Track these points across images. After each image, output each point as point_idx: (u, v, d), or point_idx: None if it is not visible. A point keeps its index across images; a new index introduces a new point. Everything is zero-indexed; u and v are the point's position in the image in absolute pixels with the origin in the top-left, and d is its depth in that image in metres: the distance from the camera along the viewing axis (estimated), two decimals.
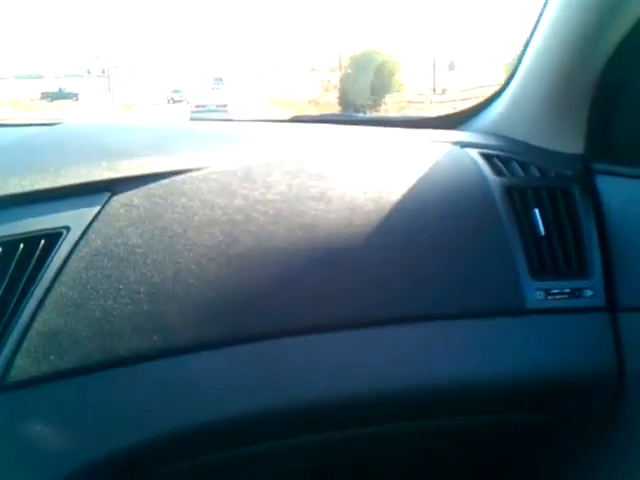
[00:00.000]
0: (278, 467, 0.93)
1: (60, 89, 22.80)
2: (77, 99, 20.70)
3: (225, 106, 13.92)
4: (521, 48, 1.02)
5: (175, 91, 23.54)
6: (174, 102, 21.63)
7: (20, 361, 0.69)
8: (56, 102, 20.78)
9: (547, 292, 0.83)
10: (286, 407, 0.76)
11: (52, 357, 0.70)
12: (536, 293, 0.82)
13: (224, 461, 0.83)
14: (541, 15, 0.96)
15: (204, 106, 14.33)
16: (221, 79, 29.83)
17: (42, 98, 22.12)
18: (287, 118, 1.22)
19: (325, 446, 0.89)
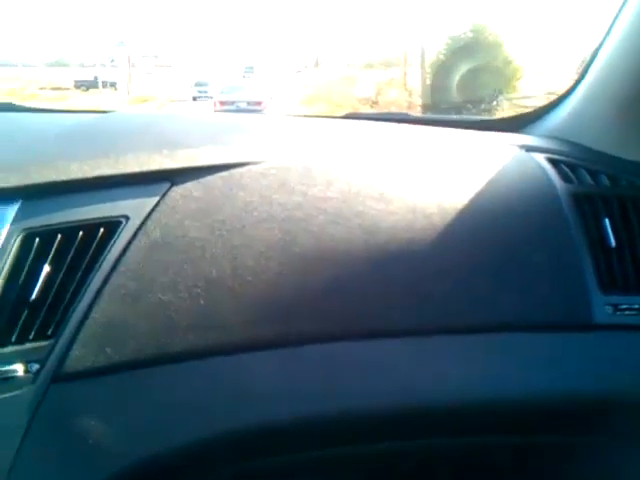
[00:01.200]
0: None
1: (95, 77, 20.86)
2: (116, 88, 18.60)
3: (259, 104, 11.42)
4: (593, 49, 0.98)
5: (199, 84, 17.40)
6: (196, 99, 16.41)
7: (76, 352, 0.68)
8: (91, 90, 20.36)
9: (616, 307, 0.79)
10: (339, 414, 0.74)
11: (108, 349, 0.68)
12: (605, 308, 0.79)
13: (264, 468, 0.81)
14: (617, 15, 0.92)
15: (232, 103, 11.36)
16: (252, 68, 26.68)
17: (76, 87, 21.01)
18: (341, 115, 1.19)
19: (361, 458, 0.86)
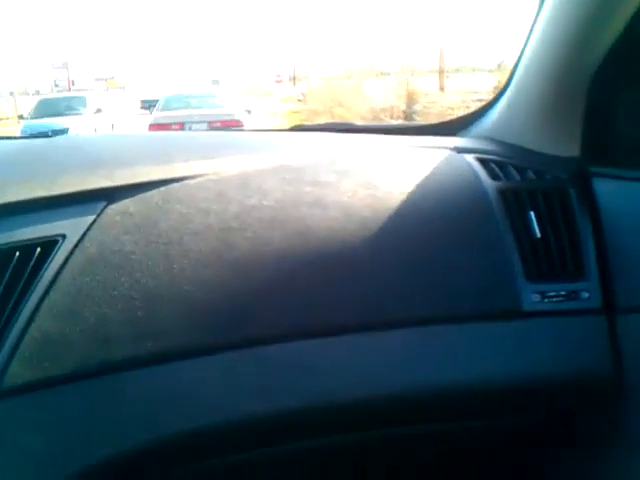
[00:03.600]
0: (273, 474, 0.93)
1: None
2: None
3: (234, 124, 7.18)
4: (518, 52, 1.03)
5: (147, 102, 12.90)
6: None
7: (15, 367, 0.69)
8: None
9: (543, 295, 0.82)
10: (280, 412, 0.76)
11: (46, 364, 0.70)
12: (532, 296, 0.82)
13: (216, 469, 0.83)
14: (534, 23, 0.97)
15: (184, 124, 7.08)
16: (218, 81, 24.08)
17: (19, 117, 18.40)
18: (288, 127, 1.23)
19: (324, 452, 0.89)
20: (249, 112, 8.79)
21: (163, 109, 8.43)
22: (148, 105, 12.78)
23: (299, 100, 19.85)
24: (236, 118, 7.57)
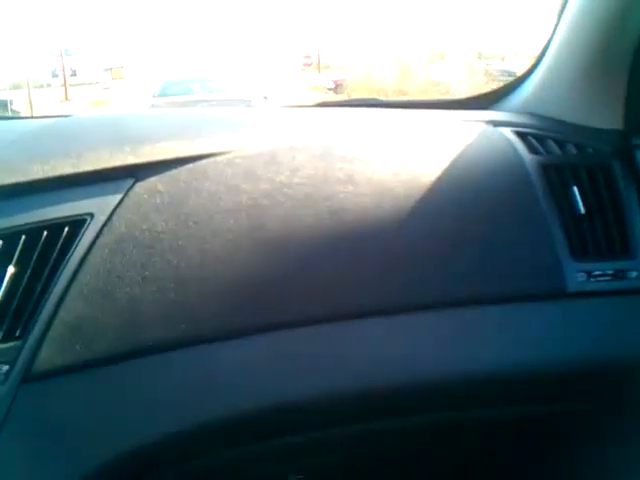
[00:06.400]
0: (286, 465, 0.91)
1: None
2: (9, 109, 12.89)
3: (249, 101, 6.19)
4: (553, 23, 0.98)
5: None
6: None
7: (45, 351, 0.67)
8: None
9: (589, 274, 0.79)
10: (310, 398, 0.74)
11: (78, 347, 0.68)
12: (578, 275, 0.78)
13: (235, 459, 0.81)
14: None
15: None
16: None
17: None
18: (313, 103, 1.19)
19: (347, 440, 0.86)
20: (265, 98, 7.48)
21: (161, 95, 7.22)
22: None
23: (330, 89, 15.07)
24: (252, 105, 6.03)
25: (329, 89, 15.26)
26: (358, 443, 0.90)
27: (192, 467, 0.78)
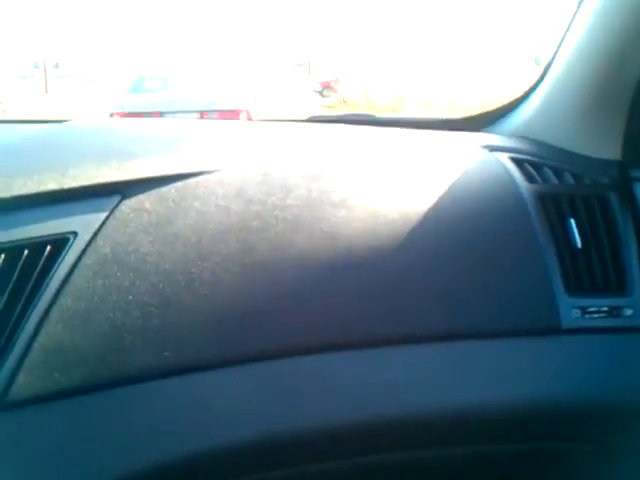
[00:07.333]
0: None
1: None
2: None
3: (234, 113, 5.29)
4: (554, 47, 0.97)
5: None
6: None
7: (23, 378, 0.64)
8: None
9: (584, 310, 0.77)
10: (301, 431, 0.71)
11: (56, 374, 0.65)
12: (572, 311, 0.77)
13: None
14: (575, 14, 0.91)
15: (163, 114, 4.65)
16: None
17: None
18: (304, 118, 1.17)
19: (354, 471, 0.83)
20: (255, 99, 6.17)
21: (133, 91, 6.21)
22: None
23: (316, 92, 12.49)
24: (240, 107, 5.42)
25: (315, 91, 12.94)
26: (347, 478, 0.87)
27: None
